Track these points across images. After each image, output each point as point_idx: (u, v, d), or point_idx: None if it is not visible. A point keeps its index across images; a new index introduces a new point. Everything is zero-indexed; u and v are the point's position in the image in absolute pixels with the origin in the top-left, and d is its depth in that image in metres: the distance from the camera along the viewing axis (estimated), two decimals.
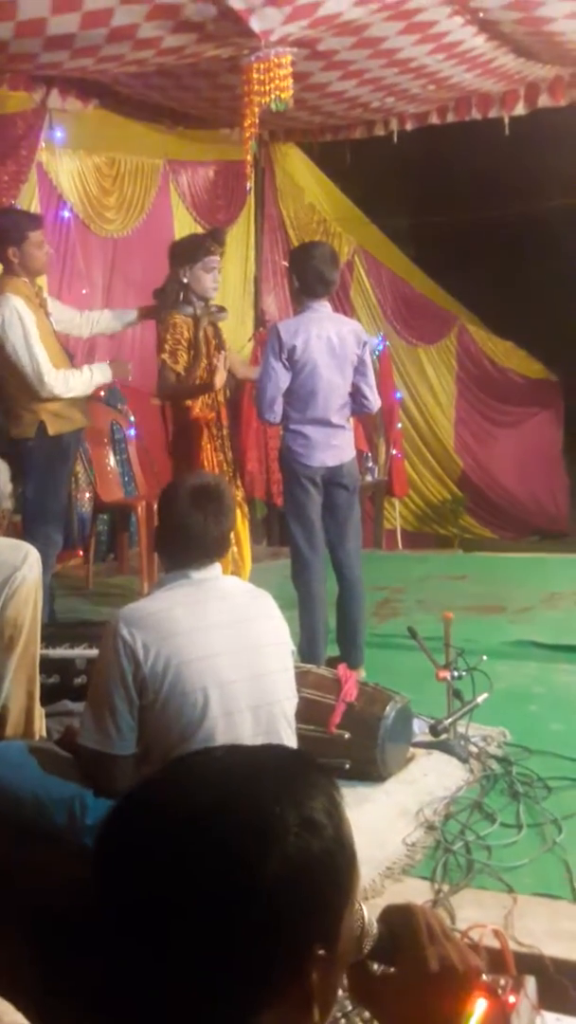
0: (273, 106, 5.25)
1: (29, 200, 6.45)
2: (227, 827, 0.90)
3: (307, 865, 0.91)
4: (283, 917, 0.89)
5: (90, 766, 2.69)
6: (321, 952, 0.92)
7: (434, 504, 10.04)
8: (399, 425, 9.09)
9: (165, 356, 4.66)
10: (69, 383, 4.60)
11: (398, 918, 1.12)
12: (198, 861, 0.88)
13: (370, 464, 8.26)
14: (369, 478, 8.02)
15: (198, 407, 4.73)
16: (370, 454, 8.30)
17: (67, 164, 6.87)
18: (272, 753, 1.06)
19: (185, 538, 2.74)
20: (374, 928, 1.10)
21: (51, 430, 4.63)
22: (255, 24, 4.94)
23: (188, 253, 4.72)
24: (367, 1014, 1.82)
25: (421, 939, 1.10)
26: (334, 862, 0.94)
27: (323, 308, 4.54)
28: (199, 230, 7.28)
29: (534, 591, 6.10)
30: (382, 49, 5.97)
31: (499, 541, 9.69)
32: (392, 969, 1.12)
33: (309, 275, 4.46)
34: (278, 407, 4.45)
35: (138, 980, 0.89)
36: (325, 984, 0.93)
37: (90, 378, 4.69)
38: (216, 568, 2.82)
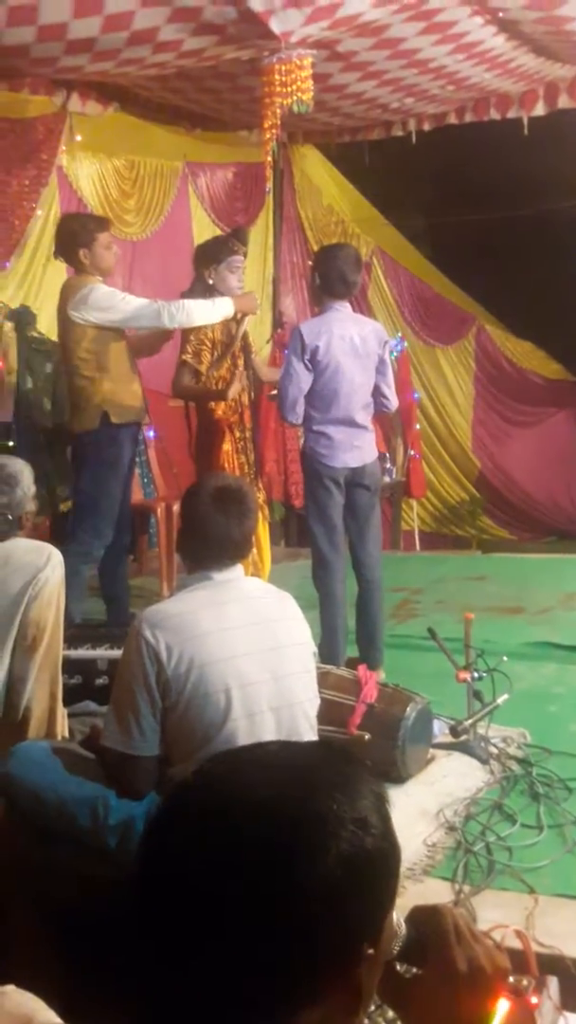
0: (295, 108, 5.27)
1: (49, 203, 6.49)
2: (284, 823, 0.90)
3: (361, 863, 0.92)
4: (337, 915, 0.90)
5: (113, 767, 2.71)
6: (370, 951, 0.93)
7: (452, 505, 10.03)
8: (417, 426, 9.09)
9: (188, 357, 4.68)
10: (185, 309, 4.63)
11: (426, 919, 1.13)
12: (250, 857, 0.89)
13: (388, 465, 8.26)
14: (387, 479, 8.01)
15: (222, 409, 4.75)
16: (388, 455, 8.30)
17: (87, 167, 6.90)
18: (323, 750, 1.06)
19: (207, 539, 2.75)
20: (402, 929, 1.10)
21: (114, 419, 4.70)
22: (275, 26, 4.96)
23: (212, 254, 4.74)
24: (390, 1014, 1.83)
25: (449, 940, 1.10)
26: (385, 860, 0.95)
27: (344, 309, 4.55)
28: (218, 232, 7.29)
29: (553, 592, 6.09)
30: (401, 50, 5.98)
31: (517, 542, 9.67)
32: (419, 970, 1.12)
33: (332, 275, 4.48)
34: (300, 408, 4.47)
35: (184, 975, 0.89)
36: (369, 980, 0.94)
37: (211, 307, 4.65)
38: (238, 569, 2.82)
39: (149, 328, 4.79)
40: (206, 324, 4.67)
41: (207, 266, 4.73)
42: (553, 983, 1.89)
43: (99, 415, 4.71)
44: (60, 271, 4.99)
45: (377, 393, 4.60)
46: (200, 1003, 0.89)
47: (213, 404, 4.75)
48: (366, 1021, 1.81)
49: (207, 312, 4.64)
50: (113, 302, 4.64)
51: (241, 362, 4.79)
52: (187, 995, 0.89)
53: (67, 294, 4.72)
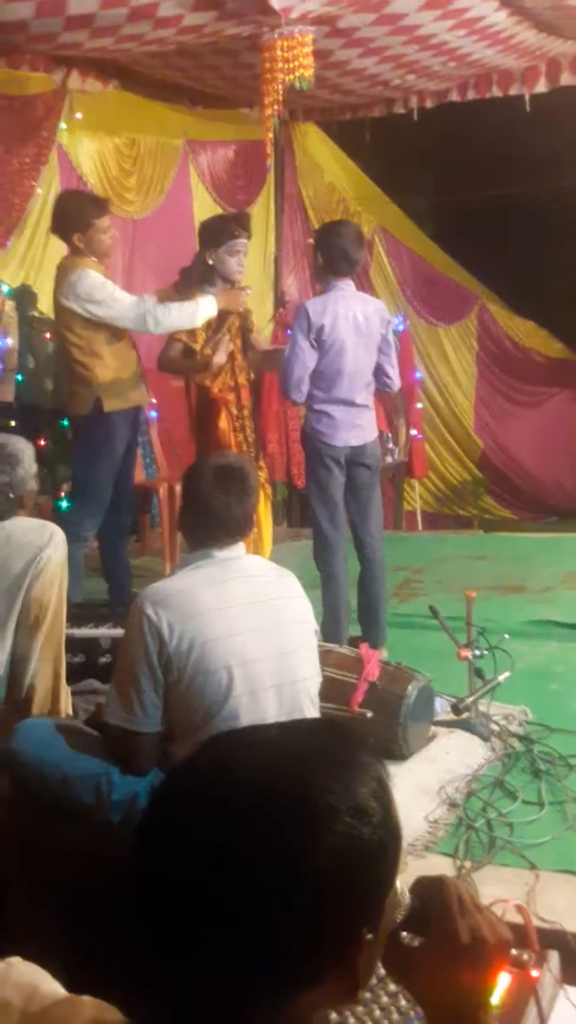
0: (297, 84, 5.24)
1: (49, 182, 6.46)
2: (277, 814, 0.90)
3: (356, 853, 0.91)
4: (332, 904, 0.90)
5: (115, 743, 2.72)
6: (369, 937, 0.93)
7: (454, 485, 10.02)
8: (419, 406, 9.07)
9: (182, 335, 4.67)
10: (171, 315, 4.60)
11: (430, 889, 1.13)
12: (246, 848, 0.88)
13: (390, 445, 8.24)
14: (389, 459, 8.00)
15: (217, 387, 4.74)
16: (390, 435, 8.28)
17: (87, 145, 6.87)
18: (320, 734, 1.05)
19: (209, 517, 2.75)
20: (406, 899, 1.11)
21: (106, 407, 4.68)
22: (275, 1, 4.92)
23: (214, 236, 4.72)
24: (392, 987, 1.85)
25: (453, 911, 1.11)
26: (383, 848, 0.95)
27: (348, 287, 4.54)
28: (218, 210, 7.27)
29: (554, 571, 6.09)
30: (403, 25, 5.93)
31: (519, 522, 9.67)
32: (422, 940, 1.13)
33: (334, 253, 4.46)
34: (305, 387, 4.46)
35: (179, 960, 0.90)
36: (368, 963, 0.95)
37: (195, 311, 4.62)
38: (240, 547, 2.83)
39: (131, 329, 4.71)
40: (195, 326, 4.64)
41: (208, 247, 4.71)
42: (554, 957, 1.92)
43: (92, 401, 4.69)
44: (61, 249, 4.97)
45: (380, 372, 4.59)
46: (199, 985, 0.90)
47: (208, 382, 4.74)
48: (368, 995, 1.83)
49: (191, 316, 4.61)
50: (102, 296, 4.58)
51: (237, 342, 4.77)
52: (186, 977, 0.90)
53: (59, 276, 4.69)
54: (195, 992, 0.90)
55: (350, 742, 1.01)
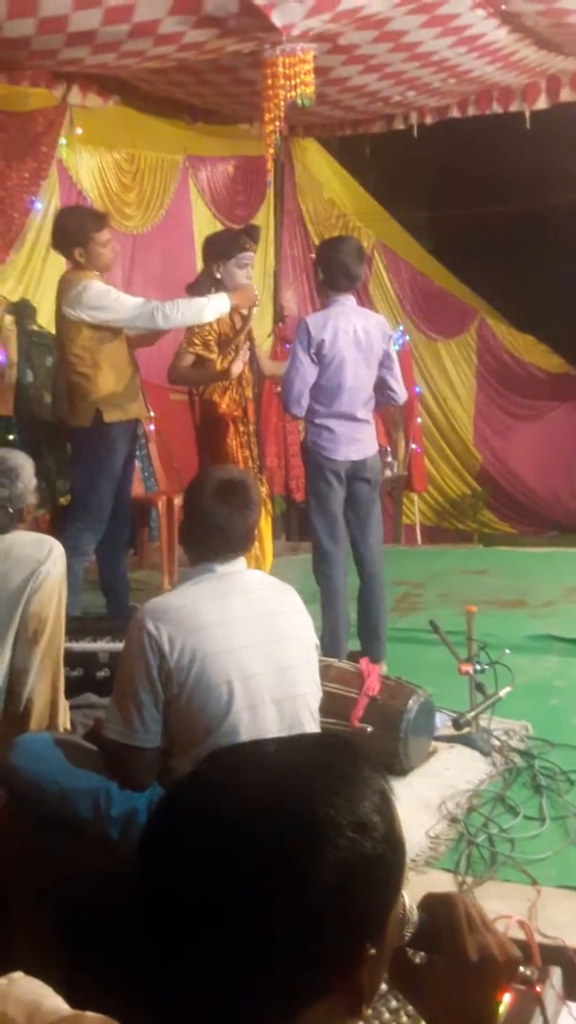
0: (299, 101, 5.26)
1: (49, 197, 6.48)
2: (280, 828, 0.89)
3: (359, 869, 0.90)
4: (335, 921, 0.89)
5: (115, 758, 2.71)
6: (372, 952, 0.92)
7: (453, 499, 10.02)
8: (418, 420, 9.08)
9: (198, 349, 4.64)
10: (179, 310, 4.58)
11: (439, 906, 1.12)
12: (248, 865, 0.87)
13: (389, 459, 8.25)
14: (388, 473, 8.01)
15: (225, 403, 4.73)
16: (389, 449, 8.29)
17: (87, 160, 6.89)
18: (324, 747, 1.04)
19: (210, 531, 2.75)
20: (415, 915, 1.09)
21: (106, 417, 4.70)
22: (277, 18, 4.94)
23: (222, 249, 4.72)
24: (394, 1003, 1.83)
25: (462, 928, 1.10)
26: (386, 862, 0.94)
27: (348, 302, 4.55)
28: (218, 226, 7.29)
29: (555, 585, 6.09)
30: (404, 43, 5.96)
31: (518, 536, 9.67)
32: (429, 956, 1.12)
33: (335, 268, 4.47)
34: (305, 401, 4.46)
35: (180, 975, 0.89)
36: (372, 978, 0.94)
37: (205, 305, 4.60)
38: (241, 562, 2.82)
39: (143, 329, 4.75)
40: (206, 321, 4.64)
41: (215, 260, 4.70)
42: (556, 973, 1.90)
43: (92, 413, 4.70)
44: (60, 264, 4.99)
45: (384, 387, 4.59)
46: (200, 1000, 0.89)
47: (217, 398, 4.73)
48: (370, 1010, 1.81)
49: (202, 310, 4.60)
50: (107, 301, 4.61)
51: (245, 348, 4.77)
52: (187, 992, 0.89)
53: (62, 289, 4.71)
54: (196, 1007, 0.89)
55: (353, 756, 0.99)
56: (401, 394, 4.71)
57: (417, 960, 1.13)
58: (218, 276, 4.69)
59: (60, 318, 4.73)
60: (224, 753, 1.00)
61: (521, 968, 1.17)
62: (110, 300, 4.62)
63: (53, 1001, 1.04)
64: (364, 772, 0.97)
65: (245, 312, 4.76)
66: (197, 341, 4.64)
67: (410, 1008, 1.75)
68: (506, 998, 1.17)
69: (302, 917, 0.87)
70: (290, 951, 0.87)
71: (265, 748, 1.01)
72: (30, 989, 1.05)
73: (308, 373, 4.42)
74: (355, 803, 0.93)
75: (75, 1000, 1.06)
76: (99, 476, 4.77)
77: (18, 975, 1.07)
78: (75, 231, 4.68)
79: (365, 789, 0.95)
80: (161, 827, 0.94)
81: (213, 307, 4.61)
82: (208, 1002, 0.89)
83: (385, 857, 0.94)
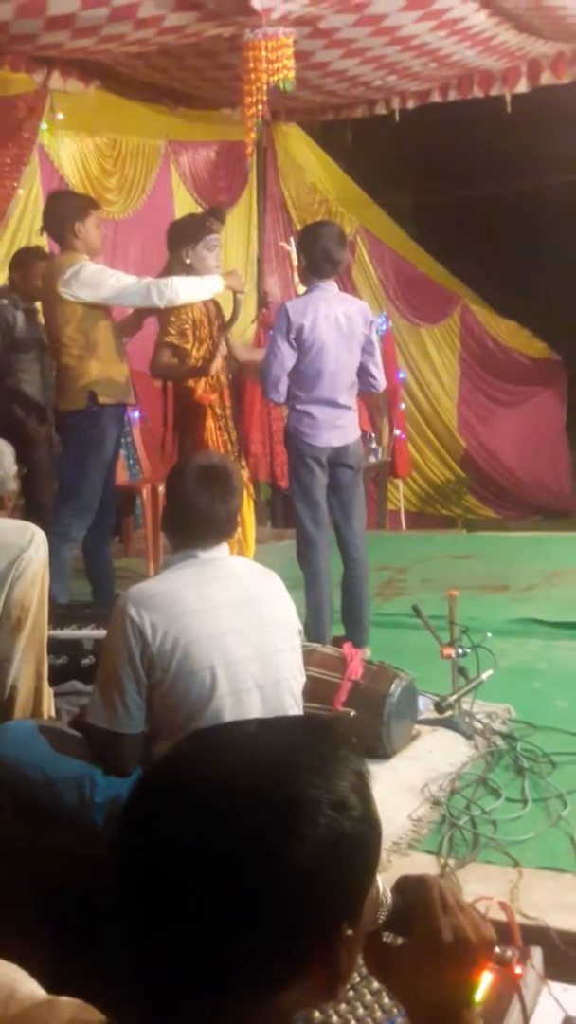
0: (281, 85, 5.24)
1: (31, 183, 6.44)
2: (258, 809, 0.89)
3: (338, 847, 0.91)
4: (313, 900, 0.89)
5: (99, 745, 2.72)
6: (349, 932, 0.93)
7: (437, 485, 10.04)
8: (402, 406, 9.09)
9: (172, 338, 4.63)
10: (173, 286, 4.58)
11: (412, 889, 1.13)
12: (227, 843, 0.88)
13: (373, 445, 8.26)
14: (372, 459, 8.02)
15: (200, 388, 4.72)
16: (373, 435, 8.30)
17: (68, 146, 6.85)
18: (302, 728, 1.05)
19: (193, 518, 2.75)
20: (388, 898, 1.10)
21: (101, 398, 4.70)
22: (256, 2, 4.92)
23: (190, 233, 4.70)
24: (376, 985, 1.85)
25: (435, 910, 1.10)
26: (363, 842, 0.94)
27: (330, 288, 4.54)
28: (199, 211, 7.25)
29: (537, 569, 6.11)
30: (384, 27, 5.95)
31: (502, 521, 9.70)
32: (404, 939, 1.13)
33: (316, 254, 4.46)
34: (283, 387, 4.46)
35: (157, 953, 0.89)
36: (349, 959, 0.94)
37: (200, 284, 4.62)
38: (223, 548, 2.83)
39: (138, 306, 4.76)
40: (191, 302, 4.63)
41: (184, 246, 4.67)
42: (537, 953, 1.92)
43: (86, 395, 4.70)
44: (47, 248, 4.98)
45: (364, 373, 4.59)
46: (177, 980, 0.89)
47: (192, 383, 4.72)
48: (351, 993, 1.83)
49: (196, 288, 4.60)
50: (103, 278, 4.62)
51: (223, 344, 4.77)
52: (164, 971, 0.89)
53: (55, 272, 4.70)
54: (174, 987, 0.90)
55: (330, 737, 1.00)
56: (381, 381, 4.71)
57: (392, 943, 1.13)
58: (188, 262, 4.66)
59: (52, 301, 4.72)
60: (203, 733, 1.01)
61: (501, 949, 1.19)
62: (107, 277, 4.64)
63: (28, 985, 1.04)
64: (342, 752, 0.98)
65: (222, 300, 4.75)
66: (172, 331, 4.62)
67: None
68: (486, 979, 1.19)
69: (280, 895, 0.88)
70: (268, 930, 0.88)
71: (244, 728, 1.02)
72: (5, 974, 1.05)
73: (286, 358, 4.42)
74: (333, 782, 0.93)
75: (60, 987, 1.06)
76: (90, 462, 4.75)
77: None
78: (74, 206, 4.75)
79: (343, 768, 0.95)
80: (139, 804, 0.94)
81: (208, 287, 4.62)
82: (185, 983, 0.89)
83: (363, 836, 0.94)
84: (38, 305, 5.29)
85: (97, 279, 4.60)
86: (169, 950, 0.89)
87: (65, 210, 4.75)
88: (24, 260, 5.64)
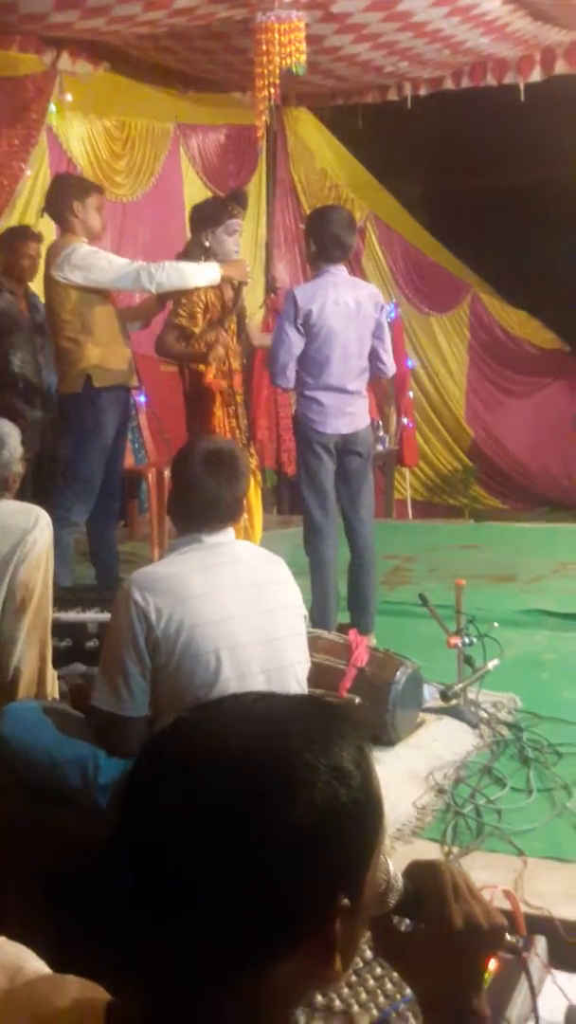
0: (294, 69, 5.21)
1: (39, 164, 6.41)
2: (256, 773, 0.89)
3: (335, 813, 0.90)
4: (309, 865, 0.89)
5: (102, 727, 2.71)
6: (345, 902, 0.92)
7: (444, 474, 10.02)
8: (410, 394, 9.06)
9: (182, 320, 4.59)
10: (164, 271, 4.54)
11: (424, 874, 1.12)
12: (225, 805, 0.88)
13: (381, 434, 8.24)
14: (380, 448, 8.00)
15: (211, 374, 4.70)
16: (381, 423, 8.28)
17: (77, 128, 6.82)
18: (302, 701, 1.05)
19: (198, 502, 2.74)
20: (399, 882, 1.10)
21: (96, 382, 4.67)
22: None
23: (210, 216, 4.66)
24: (379, 970, 1.84)
25: (447, 895, 1.10)
26: (361, 812, 0.94)
27: (340, 272, 4.50)
28: (209, 195, 7.21)
29: (545, 560, 6.10)
30: (397, 12, 5.90)
31: (509, 511, 9.68)
32: (415, 924, 1.13)
33: (326, 239, 4.42)
34: (291, 372, 4.43)
35: (160, 924, 0.89)
36: (347, 935, 0.93)
37: (194, 269, 4.56)
38: (229, 533, 2.81)
39: (131, 290, 4.75)
40: (194, 287, 4.59)
41: (204, 228, 4.64)
42: (541, 942, 1.92)
43: (82, 378, 4.68)
44: (50, 232, 4.96)
45: (374, 358, 4.56)
46: (176, 953, 0.88)
47: (203, 369, 4.69)
48: (354, 978, 1.82)
49: (191, 274, 4.56)
50: (94, 261, 4.61)
51: (232, 326, 4.73)
52: (164, 944, 0.89)
53: (51, 254, 4.71)
54: (171, 958, 0.89)
55: (333, 711, 1.01)
56: (390, 366, 4.67)
57: (402, 928, 1.13)
58: (207, 244, 4.63)
59: (49, 283, 4.72)
60: (204, 705, 1.01)
61: (507, 937, 1.18)
62: (98, 259, 4.62)
63: (35, 964, 1.04)
64: (343, 726, 0.97)
65: (236, 284, 4.71)
66: (183, 312, 4.58)
67: (395, 975, 1.76)
68: (492, 966, 1.18)
69: (277, 859, 0.87)
70: (263, 894, 0.87)
71: (245, 699, 1.02)
72: (12, 952, 1.06)
73: (294, 344, 4.38)
74: (332, 752, 0.93)
75: (64, 968, 1.06)
76: (89, 445, 4.74)
77: (0, 939, 1.07)
78: (74, 186, 4.74)
79: (343, 740, 0.95)
80: (140, 772, 0.94)
81: (203, 273, 4.57)
82: (184, 955, 0.88)
83: (361, 806, 0.93)
84: (34, 286, 5.28)
85: (88, 261, 4.58)
86: (164, 915, 0.88)
87: (65, 192, 4.74)
88: (9, 240, 5.62)
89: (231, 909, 0.87)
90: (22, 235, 5.64)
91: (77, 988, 0.99)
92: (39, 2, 5.06)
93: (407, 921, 1.14)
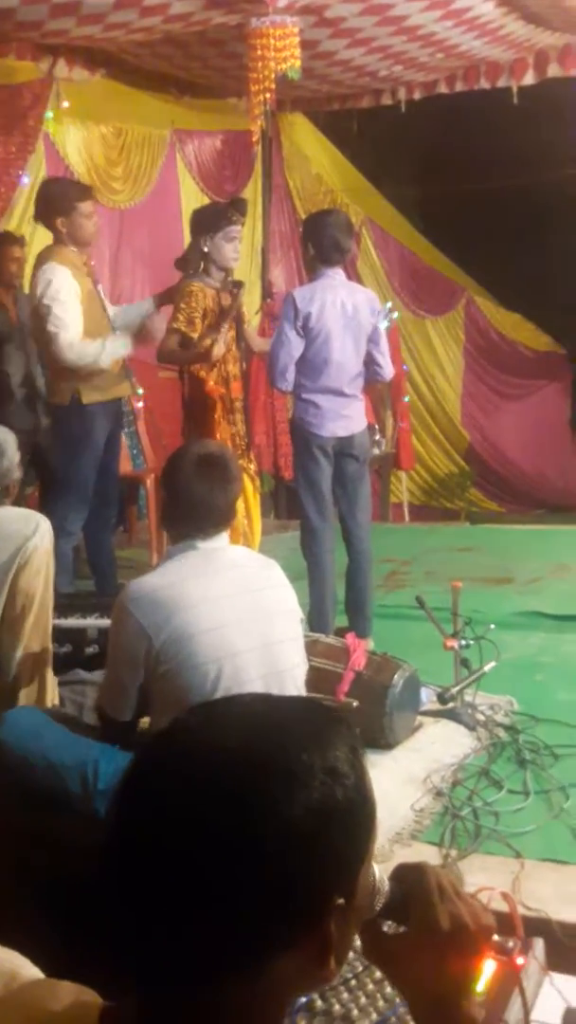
0: (289, 74, 5.22)
1: (36, 171, 6.42)
2: (253, 771, 0.90)
3: (330, 813, 0.91)
4: (305, 864, 0.90)
5: (107, 729, 2.77)
6: (340, 901, 0.93)
7: (441, 478, 10.02)
8: (406, 398, 9.07)
9: (180, 325, 4.59)
10: (84, 351, 4.53)
11: (410, 876, 1.13)
12: (222, 804, 0.89)
13: (377, 437, 8.24)
14: (376, 451, 7.99)
15: (211, 380, 4.71)
16: (377, 427, 8.28)
17: (74, 135, 6.83)
18: (298, 703, 1.06)
19: (191, 508, 2.74)
20: (385, 886, 1.10)
21: (84, 399, 4.64)
22: None
23: (211, 222, 4.67)
24: (378, 975, 1.85)
25: (433, 897, 1.10)
26: (356, 811, 0.95)
27: (338, 275, 4.52)
28: (206, 200, 7.24)
29: (542, 563, 6.11)
30: (390, 16, 5.91)
31: (506, 514, 9.68)
32: (403, 927, 1.12)
33: (324, 242, 4.44)
34: (290, 375, 4.45)
35: (154, 922, 0.89)
36: (342, 934, 0.94)
37: (100, 350, 4.55)
38: (223, 538, 2.82)
39: (54, 346, 4.57)
40: (113, 358, 4.59)
41: (203, 234, 4.65)
42: (539, 944, 1.92)
43: (71, 392, 4.65)
44: (47, 239, 4.94)
45: (371, 362, 4.57)
46: (171, 953, 0.89)
47: (203, 375, 4.70)
48: (353, 983, 1.83)
49: (97, 356, 4.53)
50: (51, 310, 4.47)
51: (231, 329, 4.75)
52: (159, 943, 0.89)
53: (35, 265, 4.65)
54: (165, 958, 0.89)
55: (327, 713, 1.02)
56: (387, 370, 4.69)
57: (389, 931, 1.13)
58: (205, 250, 4.64)
59: (33, 297, 4.67)
60: (202, 705, 1.03)
61: (503, 939, 1.18)
62: (55, 309, 4.48)
63: (30, 971, 1.05)
64: (338, 728, 0.99)
65: (233, 289, 4.73)
66: (181, 317, 4.59)
67: None
68: (490, 968, 1.18)
69: (273, 857, 0.88)
70: (260, 893, 0.88)
71: (242, 700, 1.03)
72: (6, 960, 1.06)
73: (294, 346, 4.40)
74: (327, 752, 0.94)
75: (61, 975, 1.06)
76: (78, 455, 4.72)
77: None
78: (59, 199, 4.62)
79: (337, 741, 0.96)
80: (136, 770, 0.96)
81: (109, 353, 4.56)
82: (179, 955, 0.89)
83: (355, 806, 0.95)
84: (22, 290, 5.24)
85: (49, 308, 4.47)
86: (160, 913, 0.89)
87: (51, 202, 4.65)
88: None
89: (227, 907, 0.88)
90: (4, 240, 5.55)
91: (72, 992, 1.00)
92: (35, 9, 5.06)
93: (393, 924, 1.14)
